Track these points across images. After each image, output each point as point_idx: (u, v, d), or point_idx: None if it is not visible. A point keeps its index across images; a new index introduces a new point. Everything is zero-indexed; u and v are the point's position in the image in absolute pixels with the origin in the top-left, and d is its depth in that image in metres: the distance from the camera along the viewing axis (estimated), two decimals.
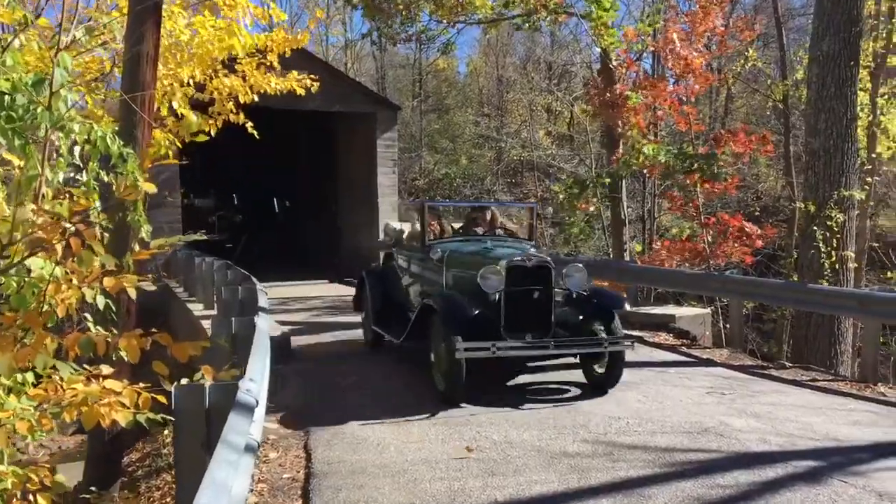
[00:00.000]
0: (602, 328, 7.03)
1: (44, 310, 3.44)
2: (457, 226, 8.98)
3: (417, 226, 8.59)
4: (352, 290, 16.79)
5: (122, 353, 3.68)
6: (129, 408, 3.65)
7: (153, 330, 3.77)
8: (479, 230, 8.53)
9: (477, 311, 6.55)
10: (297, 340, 9.62)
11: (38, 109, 3.50)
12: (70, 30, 4.38)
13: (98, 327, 3.91)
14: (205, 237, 5.33)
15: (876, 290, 10.56)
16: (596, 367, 7.13)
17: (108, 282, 3.51)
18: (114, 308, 3.99)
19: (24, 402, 3.62)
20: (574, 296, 7.15)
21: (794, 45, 23.39)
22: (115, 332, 3.87)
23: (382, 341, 8.93)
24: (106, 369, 3.86)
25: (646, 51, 20.07)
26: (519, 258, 6.87)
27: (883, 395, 7.61)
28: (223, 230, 25.10)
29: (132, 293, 3.75)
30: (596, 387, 7.11)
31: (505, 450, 5.46)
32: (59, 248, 3.36)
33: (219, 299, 8.46)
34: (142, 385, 3.79)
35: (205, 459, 3.75)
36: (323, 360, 8.96)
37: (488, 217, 8.73)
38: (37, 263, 3.57)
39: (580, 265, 7.33)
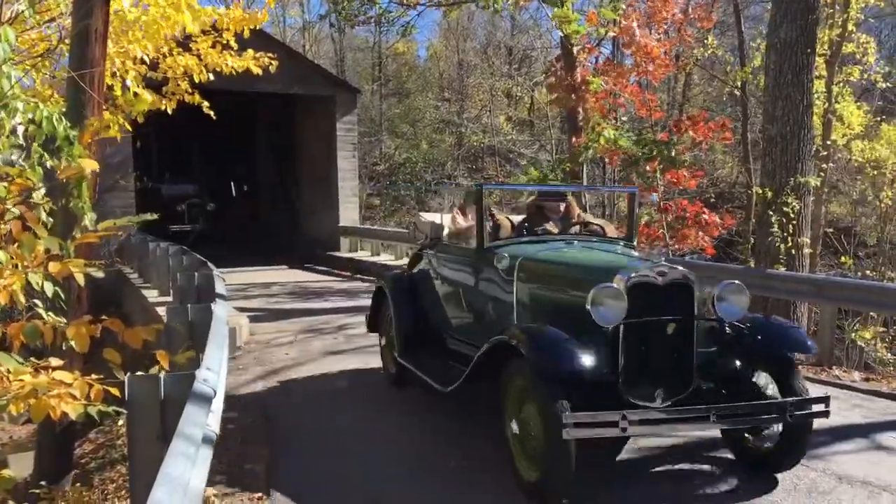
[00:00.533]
0: (770, 381, 4.61)
1: None
2: (517, 218, 6.53)
3: (463, 219, 6.35)
4: (312, 276, 16.77)
5: (71, 343, 3.51)
6: (79, 400, 3.49)
7: (103, 317, 3.60)
8: (551, 226, 6.13)
9: (589, 359, 4.12)
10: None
11: None
12: (13, 3, 4.15)
13: (50, 314, 3.74)
14: (153, 217, 4.94)
15: (833, 276, 10.76)
16: (752, 437, 4.71)
17: (53, 267, 3.33)
18: (62, 295, 3.81)
19: None
20: (726, 328, 4.61)
21: (750, 33, 23.69)
22: (63, 320, 3.70)
23: (406, 375, 6.33)
24: (55, 361, 3.69)
25: (606, 37, 20.12)
26: (645, 272, 4.39)
27: (838, 378, 7.74)
28: (194, 220, 23.36)
29: (80, 279, 3.58)
30: (758, 466, 4.70)
31: (472, 439, 5.39)
32: None
33: (174, 286, 8.24)
34: (94, 376, 3.63)
35: (161, 452, 3.61)
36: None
37: (562, 207, 6.33)
38: None
39: (739, 283, 4.65)
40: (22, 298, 3.52)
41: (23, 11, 4.06)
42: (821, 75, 17.07)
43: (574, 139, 16.32)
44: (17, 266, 3.48)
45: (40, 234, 3.30)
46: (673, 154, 13.51)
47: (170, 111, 8.63)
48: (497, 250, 5.40)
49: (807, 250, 12.41)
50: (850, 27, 17.88)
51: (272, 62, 9.46)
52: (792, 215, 11.82)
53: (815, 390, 6.95)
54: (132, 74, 7.60)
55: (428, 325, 6.43)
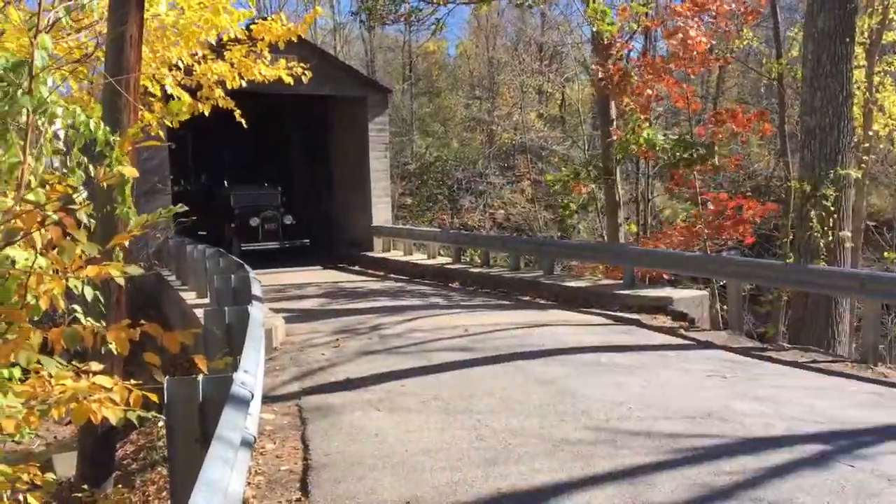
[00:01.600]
0: None
1: (26, 302, 3.30)
2: None
3: None
4: (346, 277, 16.75)
5: (111, 347, 3.54)
6: (119, 404, 3.52)
7: (142, 322, 3.64)
8: None
9: None
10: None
11: (19, 94, 3.34)
12: (50, 11, 4.20)
13: (89, 319, 3.78)
14: (183, 209, 4.58)
15: (877, 271, 10.51)
16: None
17: (91, 270, 3.37)
18: (101, 300, 3.85)
19: (11, 399, 3.49)
20: None
21: (784, 23, 23.25)
22: (103, 324, 3.73)
23: None
24: (95, 365, 3.73)
25: (638, 31, 19.91)
26: None
27: (884, 375, 7.56)
28: (272, 237, 19.67)
29: (120, 282, 3.61)
30: None
31: (506, 438, 5.36)
32: (38, 237, 3.21)
33: (211, 288, 8.32)
34: (133, 382, 3.66)
35: (199, 454, 3.63)
36: None
37: None
38: (20, 255, 3.43)
39: None
40: (62, 303, 3.56)
41: (60, 19, 4.09)
42: (860, 65, 16.69)
43: (606, 133, 16.17)
44: (56, 271, 3.52)
45: (80, 238, 3.34)
46: (716, 161, 13.37)
47: (206, 113, 8.74)
48: None
49: (848, 244, 12.16)
50: (891, 15, 17.45)
51: (305, 73, 9.50)
52: (832, 208, 11.59)
53: (857, 387, 6.86)
54: (169, 80, 7.70)
55: None
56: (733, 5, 14.56)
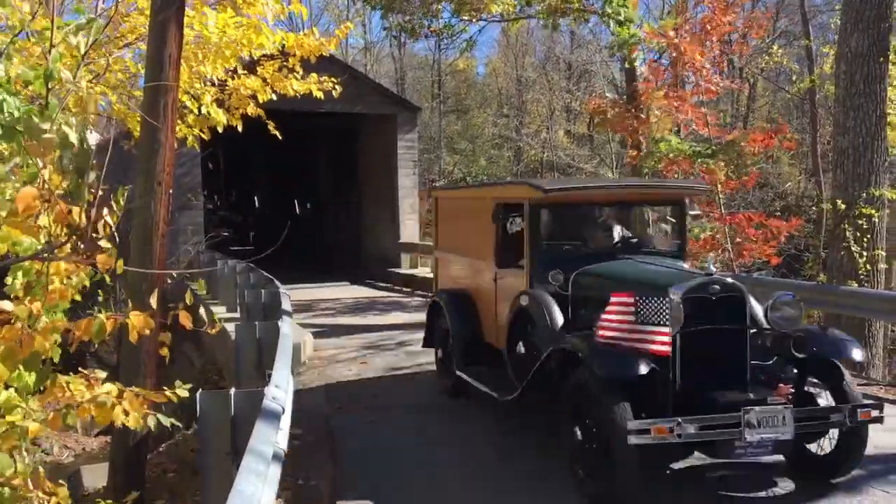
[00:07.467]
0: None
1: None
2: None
3: None
4: (373, 293, 16.78)
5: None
6: (131, 412, 3.53)
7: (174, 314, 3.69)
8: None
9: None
10: None
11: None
12: (83, 31, 4.32)
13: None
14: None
15: None
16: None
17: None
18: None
19: (33, 402, 3.56)
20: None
21: (816, 43, 23.07)
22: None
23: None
24: (100, 373, 3.75)
25: (665, 51, 19.89)
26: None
27: None
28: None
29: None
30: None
31: (539, 458, 5.33)
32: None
33: (242, 303, 8.41)
34: (153, 391, 3.69)
35: (231, 468, 3.68)
36: None
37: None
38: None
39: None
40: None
41: (77, 42, 4.16)
42: (894, 84, 16.49)
43: (632, 152, 16.16)
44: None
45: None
46: (736, 160, 13.30)
47: (239, 127, 8.89)
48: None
49: (882, 265, 11.98)
50: None
51: (335, 87, 9.60)
52: (866, 228, 11.44)
53: (891, 410, 6.71)
54: (207, 99, 7.86)
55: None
56: (730, 26, 14.55)
